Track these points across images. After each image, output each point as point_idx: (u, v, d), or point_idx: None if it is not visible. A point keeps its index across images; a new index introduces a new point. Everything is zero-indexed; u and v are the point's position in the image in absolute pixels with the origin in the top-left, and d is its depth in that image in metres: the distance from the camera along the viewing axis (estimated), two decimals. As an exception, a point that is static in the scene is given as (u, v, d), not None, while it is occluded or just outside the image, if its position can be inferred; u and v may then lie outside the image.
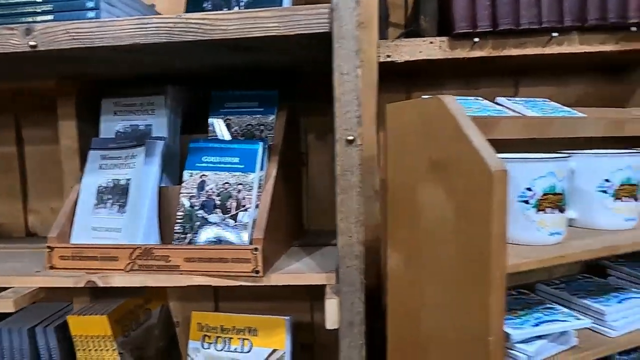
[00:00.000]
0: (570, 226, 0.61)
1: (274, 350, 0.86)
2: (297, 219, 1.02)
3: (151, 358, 1.01)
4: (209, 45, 0.67)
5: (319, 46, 0.68)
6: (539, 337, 0.49)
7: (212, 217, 0.79)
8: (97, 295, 0.96)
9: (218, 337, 0.90)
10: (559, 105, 0.70)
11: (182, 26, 0.66)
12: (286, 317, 0.86)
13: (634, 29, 0.84)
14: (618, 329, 0.54)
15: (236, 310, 0.92)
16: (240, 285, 0.71)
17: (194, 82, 0.94)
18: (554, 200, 0.50)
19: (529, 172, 0.50)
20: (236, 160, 0.81)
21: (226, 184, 0.80)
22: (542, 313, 0.52)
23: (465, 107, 0.62)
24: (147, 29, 0.66)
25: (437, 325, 0.52)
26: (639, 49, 0.86)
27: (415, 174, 0.55)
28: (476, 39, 0.86)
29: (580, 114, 0.66)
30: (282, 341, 0.86)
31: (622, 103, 1.00)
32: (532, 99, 0.71)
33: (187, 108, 0.95)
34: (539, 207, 0.50)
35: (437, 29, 0.93)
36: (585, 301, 0.57)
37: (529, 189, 0.50)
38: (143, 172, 0.83)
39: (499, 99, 0.69)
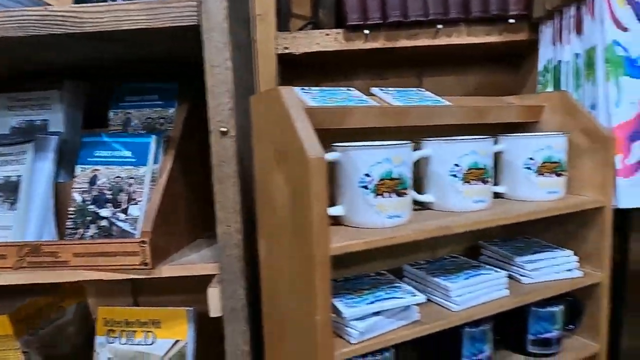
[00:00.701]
0: (429, 209, 0.65)
1: (177, 341, 0.87)
2: (206, 211, 1.02)
3: (66, 356, 1.00)
4: (79, 38, 0.67)
5: (197, 39, 0.68)
6: (376, 313, 0.52)
7: (103, 212, 0.79)
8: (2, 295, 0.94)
9: (122, 331, 0.90)
10: (430, 94, 0.73)
11: (49, 19, 0.65)
12: (188, 308, 0.87)
13: (512, 20, 0.88)
14: (460, 304, 0.58)
15: (155, 303, 0.92)
16: (159, 279, 0.72)
17: (102, 76, 0.92)
18: (391, 185, 0.53)
19: (367, 159, 0.53)
20: (128, 154, 0.81)
21: (117, 178, 0.80)
22: (385, 292, 0.55)
23: (329, 97, 0.64)
24: (13, 22, 0.65)
25: (288, 306, 0.55)
26: (520, 40, 0.91)
27: (268, 164, 0.57)
28: (366, 31, 0.89)
29: (446, 102, 0.70)
30: (184, 332, 0.87)
31: (517, 92, 1.05)
32: (406, 89, 0.74)
33: (91, 102, 0.94)
34: (377, 191, 0.53)
35: (335, 22, 0.95)
36: (436, 279, 0.61)
37: (367, 175, 0.53)
38: (35, 169, 0.81)
39: (373, 89, 0.71)
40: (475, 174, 0.61)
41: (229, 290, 0.71)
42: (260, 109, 0.59)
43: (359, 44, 0.92)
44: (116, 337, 0.91)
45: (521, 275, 0.68)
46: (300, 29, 0.98)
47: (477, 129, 0.73)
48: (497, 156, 0.72)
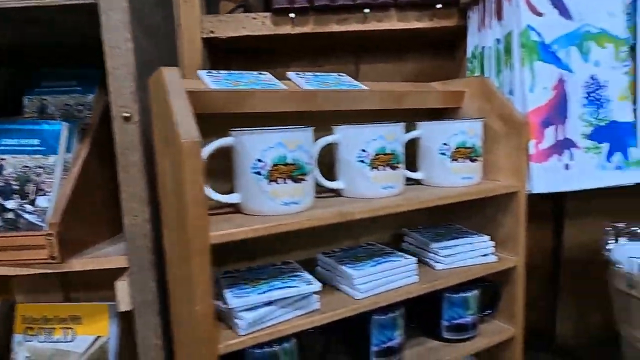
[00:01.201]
0: (341, 196, 0.63)
1: (98, 337, 0.84)
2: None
3: (-10, 355, 0.95)
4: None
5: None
6: (269, 303, 0.50)
7: (9, 203, 0.74)
8: None
9: (40, 328, 0.86)
10: (350, 80, 0.71)
11: None
12: (110, 303, 0.84)
13: (439, 6, 0.87)
14: (364, 291, 0.57)
15: (87, 299, 0.88)
16: (90, 272, 0.68)
17: (25, 63, 0.87)
18: (285, 171, 0.51)
19: (258, 144, 0.51)
20: (36, 142, 0.76)
21: (25, 168, 0.75)
22: (282, 281, 0.54)
23: (234, 81, 0.61)
24: None
25: (181, 297, 0.52)
26: (451, 26, 0.90)
27: (160, 148, 0.55)
28: (292, 15, 0.86)
29: (364, 87, 0.68)
30: (106, 327, 0.84)
31: (454, 77, 1.05)
32: (325, 74, 0.72)
33: (13, 90, 0.89)
34: (271, 177, 0.51)
35: (263, 5, 0.93)
36: (342, 267, 0.59)
37: (259, 160, 0.51)
38: None
39: (289, 74, 0.69)
40: (383, 160, 0.60)
41: (138, 282, 0.68)
42: (153, 92, 0.56)
43: (287, 29, 0.89)
44: (34, 335, 0.87)
45: (435, 262, 0.68)
46: (230, 12, 0.95)
47: (400, 115, 0.72)
48: (416, 143, 0.71)
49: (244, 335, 0.48)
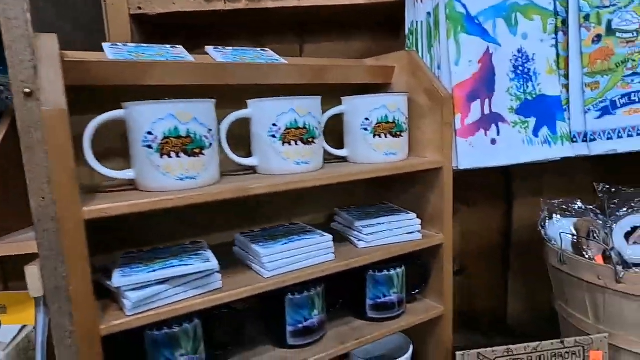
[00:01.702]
0: (255, 173, 0.61)
1: (24, 326, 0.81)
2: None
3: None
4: None
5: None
6: (162, 282, 0.48)
7: None
8: None
9: (-36, 317, 0.83)
10: (272, 55, 0.69)
11: None
12: (37, 290, 0.81)
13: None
14: (272, 270, 0.55)
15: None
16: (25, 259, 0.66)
17: None
18: (178, 144, 0.49)
19: (148, 116, 0.48)
20: (-51, 123, 0.72)
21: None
22: (180, 259, 0.52)
23: (139, 53, 0.58)
24: None
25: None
26: (390, 1, 0.87)
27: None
28: (222, -10, 0.83)
29: (282, 61, 0.66)
30: (32, 316, 0.81)
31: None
32: (247, 48, 0.70)
33: None
34: (162, 151, 0.49)
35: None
36: (254, 246, 0.58)
37: (150, 133, 0.48)
38: None
39: (207, 48, 0.66)
40: (294, 134, 0.58)
41: (49, 267, 0.65)
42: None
43: (219, 5, 0.86)
44: (-42, 325, 0.84)
45: (358, 240, 0.66)
46: (161, -12, 0.91)
47: (329, 90, 0.69)
48: (341, 119, 0.69)
49: (130, 316, 0.46)
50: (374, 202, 0.80)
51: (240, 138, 0.61)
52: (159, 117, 0.48)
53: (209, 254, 0.53)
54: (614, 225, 0.80)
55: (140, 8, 0.85)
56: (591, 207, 0.83)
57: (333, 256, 0.61)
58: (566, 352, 0.68)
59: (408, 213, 0.70)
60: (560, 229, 0.79)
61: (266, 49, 0.72)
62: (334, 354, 0.62)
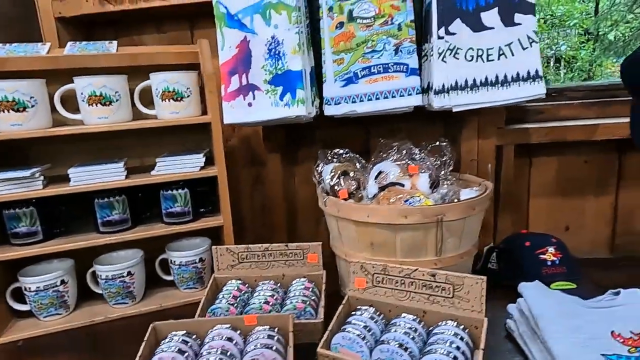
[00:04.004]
0: (83, 124, 0.98)
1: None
2: None
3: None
4: None
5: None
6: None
7: None
8: None
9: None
10: (111, 47, 1.03)
11: None
12: None
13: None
14: (77, 181, 0.93)
15: None
16: None
17: None
18: (8, 105, 0.87)
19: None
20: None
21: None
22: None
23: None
24: None
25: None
26: None
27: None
28: (104, -2, 1.18)
29: (112, 51, 1.00)
30: None
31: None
32: (96, 42, 1.05)
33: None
34: None
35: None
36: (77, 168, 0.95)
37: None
38: None
39: (68, 44, 1.03)
40: (93, 100, 0.94)
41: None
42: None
43: (110, 7, 1.22)
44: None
45: (156, 171, 1.01)
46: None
47: (154, 70, 1.02)
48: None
49: (-19, 197, 0.87)
50: (179, 148, 1.12)
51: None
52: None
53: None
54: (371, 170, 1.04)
55: (60, 13, 1.24)
56: (356, 155, 1.07)
57: (124, 177, 0.97)
58: (291, 252, 0.98)
59: (198, 153, 1.03)
60: (328, 174, 1.06)
61: (112, 42, 1.07)
62: (133, 237, 0.99)
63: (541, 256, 0.99)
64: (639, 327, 0.74)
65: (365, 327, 0.77)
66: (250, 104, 1.00)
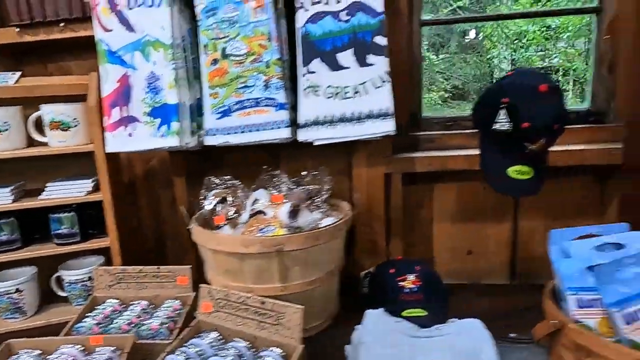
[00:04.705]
0: None
1: None
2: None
3: None
4: None
5: None
6: None
7: None
8: None
9: None
10: (12, 78, 1.11)
11: None
12: None
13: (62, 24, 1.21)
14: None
15: None
16: None
17: None
18: None
19: None
20: None
21: None
22: None
23: None
24: None
25: None
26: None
27: None
28: (17, 29, 1.27)
29: (10, 83, 1.08)
30: None
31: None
32: (2, 73, 1.13)
33: None
34: None
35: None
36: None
37: None
38: None
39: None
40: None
41: None
42: None
43: (28, 38, 1.30)
44: None
45: (45, 195, 1.08)
46: None
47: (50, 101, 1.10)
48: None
49: None
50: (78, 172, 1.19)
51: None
52: None
53: None
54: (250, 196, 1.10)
55: (-10, 41, 1.33)
56: (239, 182, 1.13)
57: (11, 201, 1.04)
58: (162, 275, 1.04)
59: (88, 178, 1.10)
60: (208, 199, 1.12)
61: (15, 73, 1.15)
62: (20, 257, 1.06)
63: (400, 283, 1.04)
64: (447, 358, 0.79)
65: (198, 351, 0.83)
66: (130, 134, 1.07)
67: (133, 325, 0.95)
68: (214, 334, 0.87)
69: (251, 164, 1.25)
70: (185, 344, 0.84)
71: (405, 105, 1.30)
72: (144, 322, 0.95)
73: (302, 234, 0.91)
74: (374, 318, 0.90)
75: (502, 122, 0.89)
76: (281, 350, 0.81)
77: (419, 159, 1.22)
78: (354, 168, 1.26)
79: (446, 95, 3.72)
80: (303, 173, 1.13)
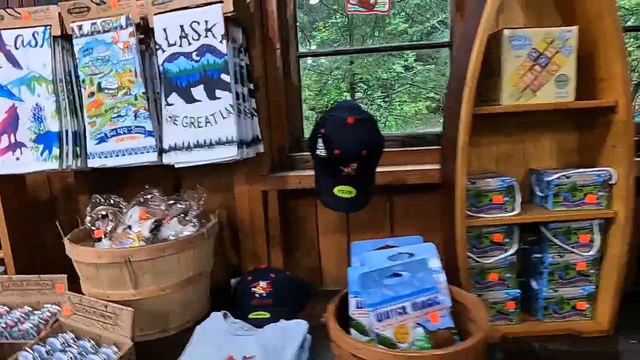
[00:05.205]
0: None
1: None
2: None
3: None
4: None
5: None
6: None
7: None
8: None
9: None
10: None
11: None
12: None
13: None
14: None
15: None
16: None
17: None
18: None
19: None
20: None
21: None
22: None
23: None
24: None
25: None
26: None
27: None
28: None
29: None
30: None
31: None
32: None
33: None
34: None
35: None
36: None
37: None
38: None
39: None
40: None
41: None
42: None
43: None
44: None
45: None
46: None
47: None
48: None
49: None
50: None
51: None
52: None
53: None
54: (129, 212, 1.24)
55: None
56: (121, 199, 1.27)
57: None
58: (43, 282, 1.17)
59: None
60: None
61: None
62: None
63: (253, 289, 1.17)
64: (251, 353, 0.93)
65: (48, 350, 0.96)
66: (18, 159, 1.21)
67: (9, 327, 1.08)
68: (68, 335, 1.00)
69: (152, 181, 1.39)
70: (40, 343, 0.97)
71: (286, 130, 1.46)
72: (19, 325, 1.09)
73: (148, 247, 1.05)
74: (212, 320, 1.04)
75: (321, 149, 1.03)
76: (116, 349, 0.94)
77: (291, 177, 1.36)
78: (235, 186, 1.40)
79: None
80: (181, 191, 1.28)
